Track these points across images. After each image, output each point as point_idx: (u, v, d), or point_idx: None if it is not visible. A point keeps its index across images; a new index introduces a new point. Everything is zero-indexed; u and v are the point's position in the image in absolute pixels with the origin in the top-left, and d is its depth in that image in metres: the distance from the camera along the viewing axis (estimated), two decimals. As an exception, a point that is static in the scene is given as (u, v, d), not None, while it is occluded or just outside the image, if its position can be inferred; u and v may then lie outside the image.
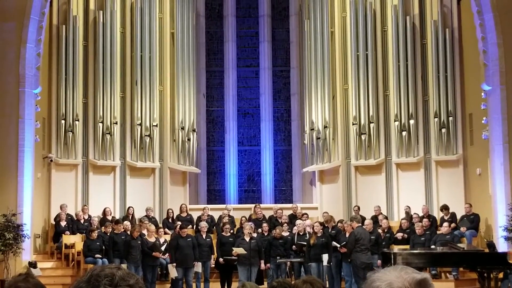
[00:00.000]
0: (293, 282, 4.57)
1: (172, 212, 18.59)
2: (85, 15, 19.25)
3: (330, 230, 15.86)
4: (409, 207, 18.03)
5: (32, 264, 15.31)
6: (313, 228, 15.29)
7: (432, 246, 15.32)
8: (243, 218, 17.60)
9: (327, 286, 14.73)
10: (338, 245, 14.65)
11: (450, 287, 15.42)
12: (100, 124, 18.90)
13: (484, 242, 16.04)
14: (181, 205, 18.95)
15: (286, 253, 15.71)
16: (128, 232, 15.91)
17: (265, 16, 22.12)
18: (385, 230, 16.72)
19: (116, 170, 19.14)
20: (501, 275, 13.79)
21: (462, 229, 16.61)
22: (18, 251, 15.39)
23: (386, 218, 17.54)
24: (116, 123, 19.08)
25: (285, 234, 16.16)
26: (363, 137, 19.35)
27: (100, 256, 15.75)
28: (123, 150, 19.29)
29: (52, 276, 16.13)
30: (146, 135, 19.33)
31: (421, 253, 14.19)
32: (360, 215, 16.64)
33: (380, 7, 19.83)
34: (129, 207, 18.45)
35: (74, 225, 17.48)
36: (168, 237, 16.53)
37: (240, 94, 22.06)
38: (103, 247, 16.02)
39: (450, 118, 18.75)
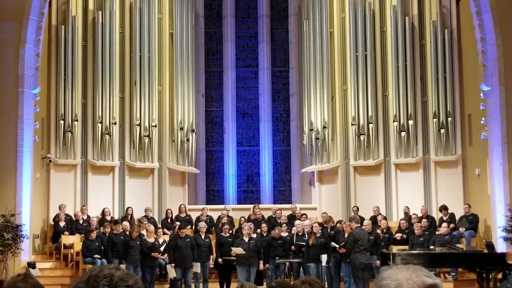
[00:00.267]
0: (292, 283, 4.55)
1: (171, 212, 18.60)
2: (84, 16, 19.23)
3: (329, 231, 15.85)
4: (408, 208, 18.03)
5: (31, 265, 15.29)
6: (312, 229, 15.28)
7: (431, 247, 15.30)
8: (242, 219, 17.60)
9: (326, 286, 14.73)
10: (337, 246, 14.63)
11: (449, 288, 15.44)
12: (99, 125, 18.89)
13: (483, 242, 16.03)
14: (180, 205, 18.96)
15: (285, 254, 15.71)
16: (127, 233, 15.88)
17: (264, 16, 22.12)
18: (384, 231, 16.72)
19: (115, 171, 19.14)
20: (500, 276, 13.78)
21: (461, 229, 16.60)
22: (17, 251, 15.38)
23: (385, 218, 17.53)
24: (115, 123, 19.06)
25: (284, 234, 16.14)
26: (362, 137, 19.35)
27: (99, 257, 15.74)
28: (122, 150, 19.28)
29: (51, 276, 16.12)
30: (145, 136, 19.32)
31: (420, 254, 14.17)
32: (359, 216, 16.60)
33: (379, 8, 19.82)
34: (128, 208, 18.44)
35: (73, 225, 17.48)
36: (167, 238, 16.52)
37: (239, 94, 22.06)
38: (102, 247, 16.00)
39: (449, 119, 18.75)
